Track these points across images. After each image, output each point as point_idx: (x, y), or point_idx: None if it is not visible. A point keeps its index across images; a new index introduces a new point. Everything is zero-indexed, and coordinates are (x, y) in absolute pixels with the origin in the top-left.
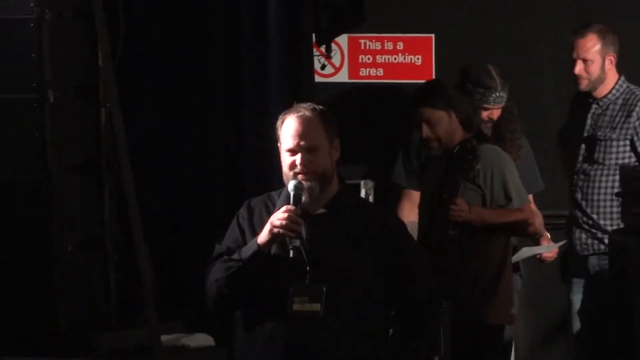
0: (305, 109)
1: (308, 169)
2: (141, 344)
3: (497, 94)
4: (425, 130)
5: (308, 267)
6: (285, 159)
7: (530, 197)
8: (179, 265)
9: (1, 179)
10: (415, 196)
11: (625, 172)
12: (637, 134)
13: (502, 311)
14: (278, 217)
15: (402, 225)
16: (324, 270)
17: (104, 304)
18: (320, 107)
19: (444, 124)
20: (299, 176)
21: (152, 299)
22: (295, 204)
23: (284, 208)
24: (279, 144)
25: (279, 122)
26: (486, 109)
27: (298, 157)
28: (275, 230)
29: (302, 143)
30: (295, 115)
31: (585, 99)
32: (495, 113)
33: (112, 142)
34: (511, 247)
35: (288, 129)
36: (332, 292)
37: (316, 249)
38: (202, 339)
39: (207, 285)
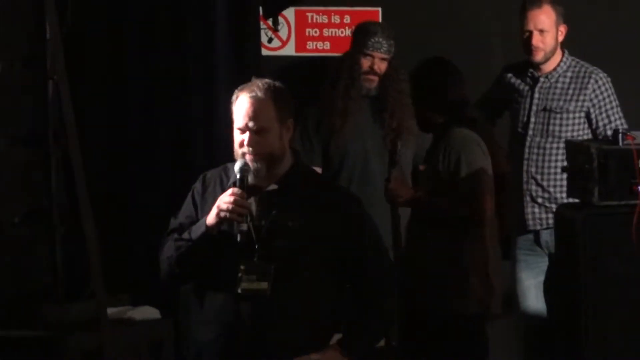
0: (258, 89)
1: (255, 150)
2: (87, 316)
3: (376, 39)
4: None
5: (257, 246)
6: (236, 137)
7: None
8: (126, 238)
9: None
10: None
11: (571, 146)
12: (593, 106)
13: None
14: (224, 200)
15: (355, 201)
16: (273, 248)
17: (49, 276)
18: (277, 84)
19: None
20: (247, 156)
21: (99, 272)
22: (241, 186)
23: (229, 191)
24: (232, 118)
25: (233, 97)
26: (365, 55)
27: (246, 137)
28: (222, 214)
29: (250, 124)
30: (248, 95)
31: (520, 72)
32: (379, 65)
33: (59, 114)
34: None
35: (239, 107)
36: (280, 270)
37: (265, 226)
38: (148, 312)
39: (160, 261)
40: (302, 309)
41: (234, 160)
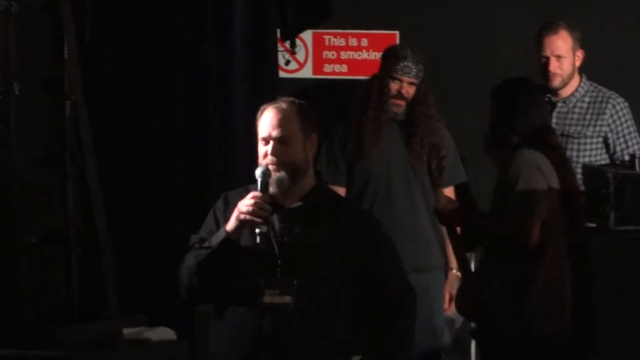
0: (283, 102)
1: (278, 159)
2: (104, 337)
3: (405, 64)
4: None
5: (279, 261)
6: (260, 149)
7: (452, 189)
8: (142, 259)
9: None
10: (340, 192)
11: (588, 171)
12: (611, 131)
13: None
14: (245, 203)
15: (376, 221)
16: (295, 263)
17: (66, 297)
18: (301, 102)
19: None
20: (270, 166)
21: (115, 292)
22: (262, 190)
23: (250, 194)
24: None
25: (258, 113)
26: (394, 79)
27: (270, 147)
28: (242, 216)
29: (274, 133)
30: (273, 106)
31: None
32: (407, 89)
33: (76, 135)
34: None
35: (264, 119)
36: (303, 285)
37: (288, 242)
38: (164, 333)
39: (180, 275)
40: (324, 325)
41: (253, 181)
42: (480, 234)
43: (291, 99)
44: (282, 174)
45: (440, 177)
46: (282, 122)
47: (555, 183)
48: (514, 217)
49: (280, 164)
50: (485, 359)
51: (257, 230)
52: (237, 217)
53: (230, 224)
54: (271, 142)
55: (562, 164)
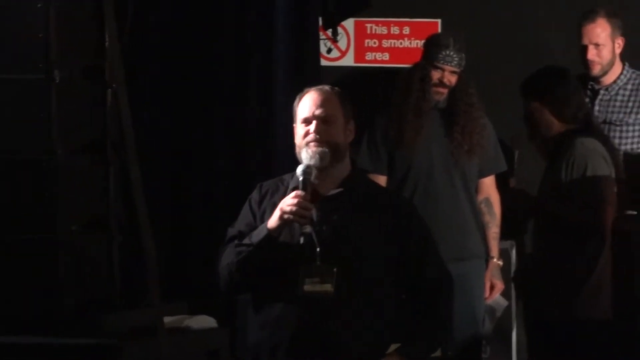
0: (324, 86)
1: (322, 137)
2: (145, 325)
3: (447, 52)
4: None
5: (318, 249)
6: (299, 131)
7: (493, 178)
8: (183, 247)
9: (7, 158)
10: (382, 181)
11: (629, 158)
12: None
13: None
14: (287, 202)
15: (412, 207)
16: (335, 251)
17: (108, 285)
18: (338, 89)
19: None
20: (311, 145)
21: (156, 280)
22: (304, 188)
23: (293, 194)
24: (294, 124)
25: (296, 101)
26: (436, 68)
27: (313, 125)
28: (285, 216)
29: (317, 112)
30: (315, 89)
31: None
32: (449, 77)
33: (118, 124)
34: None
35: (305, 101)
36: (343, 273)
37: (328, 230)
38: (204, 321)
39: (220, 269)
40: (365, 313)
41: (290, 171)
42: (555, 220)
43: (328, 86)
44: (324, 149)
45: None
46: (325, 103)
47: (613, 171)
48: (590, 203)
49: (322, 142)
50: (532, 342)
51: (301, 231)
52: (280, 216)
53: (272, 222)
54: (314, 122)
55: (610, 150)
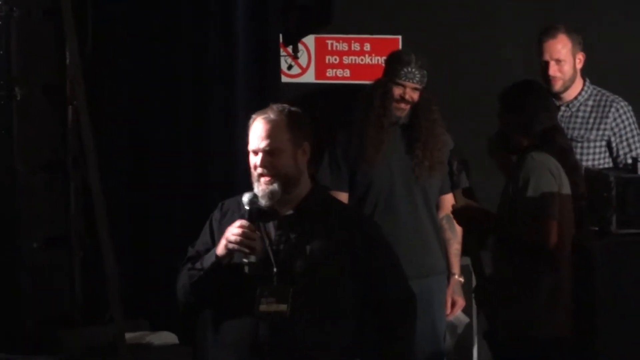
0: (272, 112)
1: (268, 171)
2: (106, 341)
3: (408, 69)
4: None
5: (275, 269)
6: (251, 160)
7: (452, 195)
8: (144, 264)
9: None
10: (343, 197)
11: (590, 175)
12: (614, 135)
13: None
14: (232, 232)
15: (374, 225)
16: (292, 271)
17: (69, 301)
18: (293, 109)
19: None
20: (262, 179)
21: (117, 297)
22: (249, 219)
23: (237, 223)
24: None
25: (250, 122)
26: (397, 84)
27: (259, 159)
28: (230, 245)
29: (262, 145)
30: (262, 117)
31: None
32: (411, 94)
33: (79, 140)
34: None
35: (254, 130)
36: (299, 293)
37: (285, 250)
38: (166, 337)
39: (176, 290)
40: (321, 332)
41: (251, 188)
42: (497, 235)
43: (281, 107)
44: (274, 187)
45: (459, 180)
46: (270, 134)
47: (565, 185)
48: (529, 219)
49: (271, 175)
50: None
51: (244, 260)
52: (225, 245)
53: (220, 249)
54: (260, 154)
55: (571, 166)
